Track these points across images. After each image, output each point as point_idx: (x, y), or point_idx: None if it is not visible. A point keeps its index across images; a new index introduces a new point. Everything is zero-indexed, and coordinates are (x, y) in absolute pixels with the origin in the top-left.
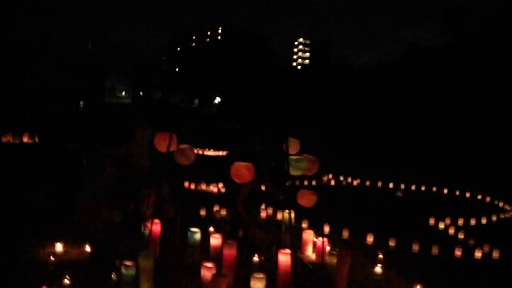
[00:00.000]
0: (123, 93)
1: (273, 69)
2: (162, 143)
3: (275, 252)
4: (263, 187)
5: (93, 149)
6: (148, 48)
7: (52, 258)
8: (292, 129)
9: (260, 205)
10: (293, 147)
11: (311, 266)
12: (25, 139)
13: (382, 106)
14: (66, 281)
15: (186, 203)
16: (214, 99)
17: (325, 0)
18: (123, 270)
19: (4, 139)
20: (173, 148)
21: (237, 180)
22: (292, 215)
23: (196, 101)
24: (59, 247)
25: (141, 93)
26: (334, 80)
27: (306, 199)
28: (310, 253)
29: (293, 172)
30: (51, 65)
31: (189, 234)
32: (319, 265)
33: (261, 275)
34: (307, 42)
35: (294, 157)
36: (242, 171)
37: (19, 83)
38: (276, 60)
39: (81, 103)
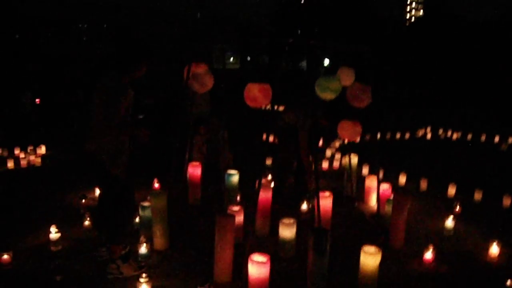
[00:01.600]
0: (231, 59)
1: (385, 27)
2: None
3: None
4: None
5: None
6: (256, 13)
7: (83, 201)
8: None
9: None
10: (346, 77)
11: (367, 216)
12: None
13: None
14: (87, 222)
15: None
16: (323, 61)
17: None
18: (140, 211)
19: None
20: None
21: (250, 104)
22: (355, 159)
23: (304, 63)
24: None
25: (248, 58)
26: (449, 36)
27: (349, 131)
28: (373, 203)
29: (322, 94)
30: (161, 33)
31: (226, 177)
32: (378, 216)
33: (291, 221)
34: None
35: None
36: (255, 92)
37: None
38: (387, 17)
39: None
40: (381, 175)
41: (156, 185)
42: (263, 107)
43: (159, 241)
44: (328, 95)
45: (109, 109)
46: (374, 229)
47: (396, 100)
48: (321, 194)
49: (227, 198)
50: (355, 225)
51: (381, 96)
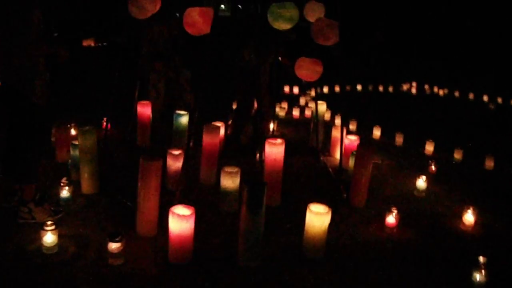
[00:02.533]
0: (222, 6)
1: None
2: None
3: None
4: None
5: None
6: None
7: None
8: None
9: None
10: (312, 12)
11: (330, 170)
12: None
13: None
14: None
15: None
16: None
17: None
18: (71, 150)
19: None
20: None
21: (189, 30)
22: (323, 107)
23: None
24: None
25: (240, 6)
26: None
27: (307, 70)
28: (338, 155)
29: (275, 23)
30: None
31: (174, 117)
32: (341, 170)
33: (234, 169)
34: None
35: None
36: (194, 17)
37: None
38: None
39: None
40: (353, 127)
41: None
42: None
43: (86, 184)
44: (282, 25)
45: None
46: (335, 184)
47: (383, 49)
48: (271, 141)
49: (175, 141)
50: (313, 179)
51: (368, 44)
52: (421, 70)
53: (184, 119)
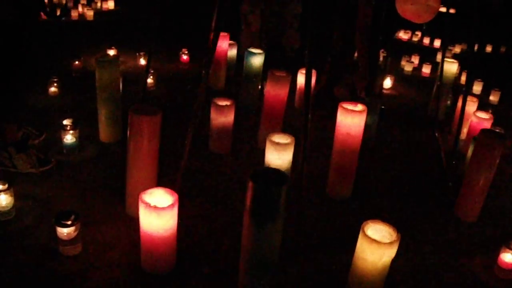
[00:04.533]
0: None
1: None
2: None
3: None
4: None
5: None
6: None
7: None
8: None
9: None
10: None
11: (443, 155)
12: None
13: None
14: None
15: None
16: None
17: None
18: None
19: None
20: None
21: None
22: (453, 67)
23: None
24: None
25: None
26: None
27: (412, 4)
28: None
29: None
30: None
31: (245, 56)
32: (458, 156)
33: (285, 138)
34: None
35: None
36: None
37: None
38: None
39: None
40: (494, 98)
41: (185, 57)
42: None
43: (104, 129)
44: None
45: None
46: (443, 177)
47: None
48: (345, 105)
49: (245, 88)
50: (414, 164)
51: None
52: None
53: (258, 60)
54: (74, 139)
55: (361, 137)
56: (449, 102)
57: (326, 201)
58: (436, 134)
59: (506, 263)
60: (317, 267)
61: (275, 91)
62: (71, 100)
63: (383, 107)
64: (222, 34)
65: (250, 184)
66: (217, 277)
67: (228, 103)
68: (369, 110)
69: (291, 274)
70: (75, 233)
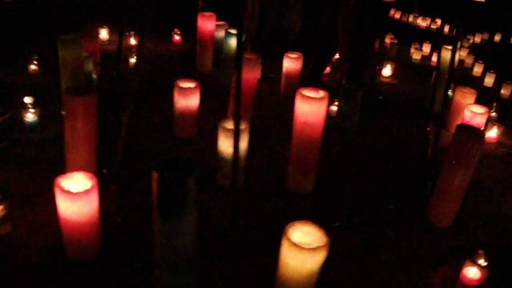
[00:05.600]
0: None
1: None
2: None
3: None
4: None
5: None
6: None
7: None
8: None
9: None
10: None
11: (429, 151)
12: None
13: None
14: None
15: None
16: None
17: None
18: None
19: None
20: None
21: None
22: (449, 54)
23: None
24: None
25: None
26: None
27: None
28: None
29: None
30: None
31: (224, 37)
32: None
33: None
34: None
35: None
36: None
37: None
38: None
39: None
40: (506, 92)
41: (177, 37)
42: None
43: None
44: None
45: None
46: (423, 177)
47: None
48: (306, 92)
49: (222, 71)
50: (395, 160)
51: None
52: None
53: (233, 40)
54: (35, 118)
55: (321, 127)
56: (450, 93)
57: (285, 195)
58: (428, 129)
59: (469, 278)
60: (245, 270)
61: (245, 75)
62: (48, 79)
63: (380, 97)
64: (207, 14)
65: (154, 175)
66: (140, 270)
67: (192, 85)
68: (347, 97)
69: (213, 275)
70: (2, 213)
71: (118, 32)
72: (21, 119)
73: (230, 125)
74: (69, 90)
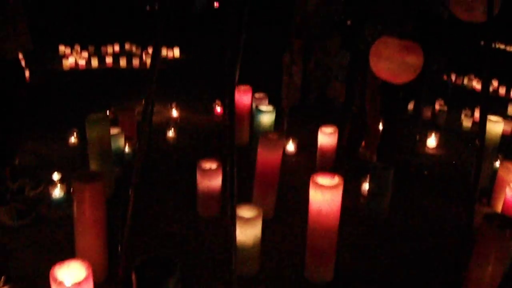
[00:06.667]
0: None
1: None
2: None
3: None
4: None
5: None
6: None
7: None
8: None
9: None
10: None
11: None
12: None
13: None
14: None
15: None
16: None
17: None
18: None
19: None
20: None
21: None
22: (498, 127)
23: None
24: None
25: None
26: None
27: (386, 62)
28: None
29: None
30: None
31: (255, 113)
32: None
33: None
34: None
35: None
36: None
37: None
38: None
39: None
40: None
41: (218, 109)
42: None
43: None
44: None
45: None
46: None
47: None
48: (318, 178)
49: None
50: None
51: None
52: None
53: (267, 118)
54: (62, 194)
55: (336, 215)
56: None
57: (303, 285)
58: (475, 208)
59: None
60: None
61: (266, 156)
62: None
63: (425, 172)
64: (243, 87)
65: (133, 276)
66: None
67: (213, 166)
68: (376, 176)
69: None
70: None
71: (144, 103)
72: (48, 195)
73: (245, 212)
74: (79, 176)
